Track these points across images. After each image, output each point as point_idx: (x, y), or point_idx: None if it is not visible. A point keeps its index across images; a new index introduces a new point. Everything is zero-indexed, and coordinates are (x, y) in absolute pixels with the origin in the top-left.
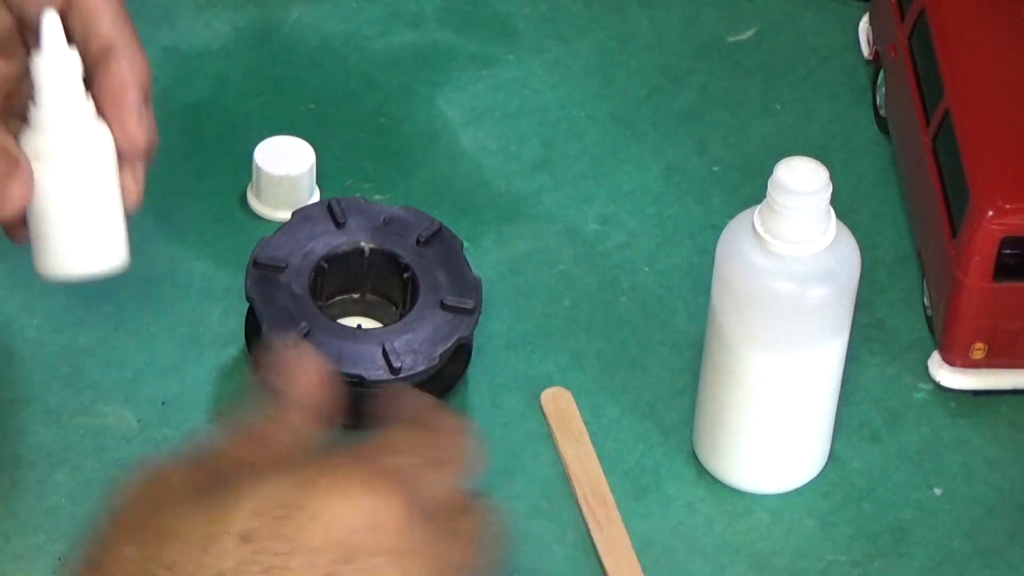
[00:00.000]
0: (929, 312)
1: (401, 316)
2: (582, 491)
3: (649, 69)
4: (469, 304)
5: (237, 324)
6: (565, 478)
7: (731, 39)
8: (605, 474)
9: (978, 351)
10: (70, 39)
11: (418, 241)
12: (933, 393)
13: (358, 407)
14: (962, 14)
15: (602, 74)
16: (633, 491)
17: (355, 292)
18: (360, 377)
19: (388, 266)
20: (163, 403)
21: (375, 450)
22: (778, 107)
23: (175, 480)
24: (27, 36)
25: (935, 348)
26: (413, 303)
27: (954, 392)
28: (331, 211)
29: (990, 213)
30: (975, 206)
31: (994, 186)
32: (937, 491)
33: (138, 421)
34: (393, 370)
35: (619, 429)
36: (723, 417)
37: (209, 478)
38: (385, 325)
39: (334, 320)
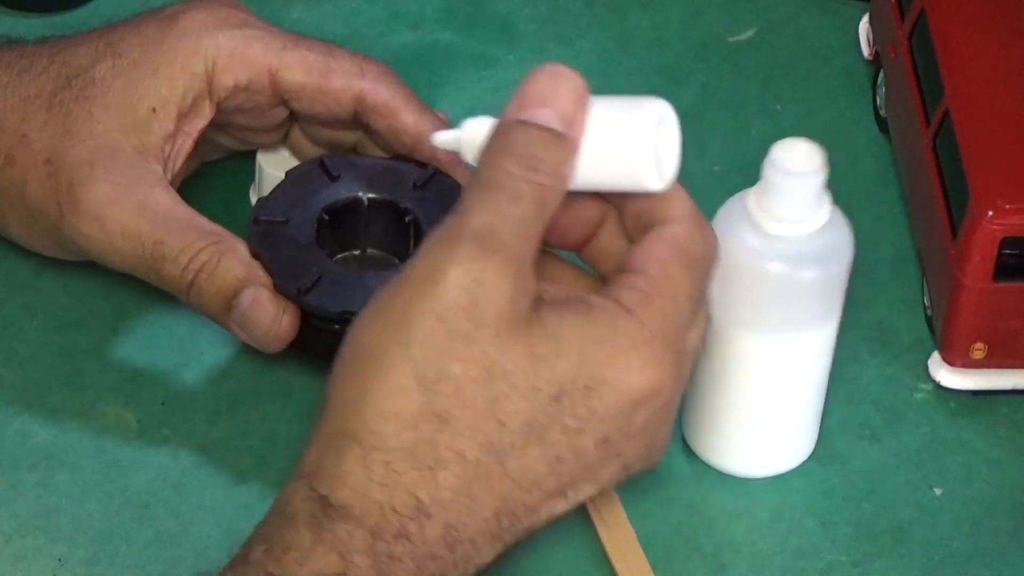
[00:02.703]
0: (929, 312)
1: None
2: None
3: (649, 69)
4: None
5: None
6: None
7: (731, 39)
8: None
9: (978, 351)
10: (374, 136)
11: (415, 186)
12: (933, 393)
13: None
14: (962, 14)
15: (602, 74)
16: (633, 491)
17: (356, 249)
18: None
19: (388, 214)
20: (163, 403)
21: (666, 320)
22: (778, 107)
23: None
24: (303, 126)
25: (935, 348)
26: (418, 244)
27: (954, 392)
28: (324, 167)
29: (990, 213)
30: (975, 206)
31: (994, 186)
32: (937, 491)
33: (138, 422)
34: None
35: None
36: (710, 398)
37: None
38: None
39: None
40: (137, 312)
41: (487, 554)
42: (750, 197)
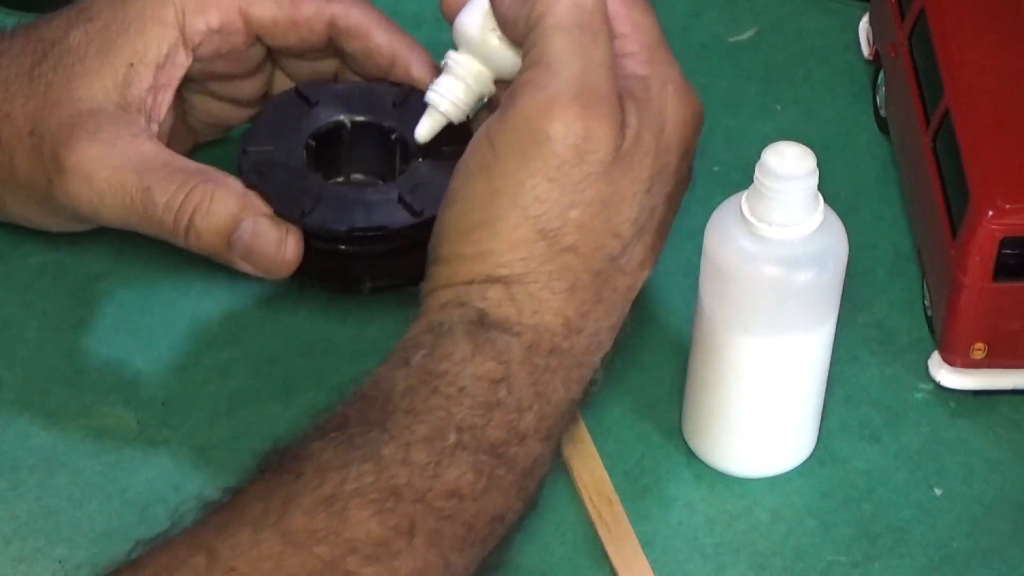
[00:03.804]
0: (929, 312)
1: (401, 172)
2: (587, 491)
3: None
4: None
5: (237, 324)
6: (565, 478)
7: (731, 39)
8: None
9: (978, 351)
10: (349, 60)
11: (394, 104)
12: (933, 393)
13: (385, 266)
14: (962, 14)
15: None
16: (633, 491)
17: (338, 175)
18: (384, 227)
19: (372, 135)
20: (163, 404)
21: (659, 60)
22: (778, 107)
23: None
24: (283, 64)
25: (935, 348)
26: (406, 159)
27: (954, 392)
28: (301, 95)
29: (990, 213)
30: (975, 206)
31: (994, 186)
32: (937, 491)
33: (138, 422)
34: (415, 213)
35: (619, 429)
36: (709, 399)
37: None
38: None
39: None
40: (137, 313)
41: (610, 342)
42: (743, 201)
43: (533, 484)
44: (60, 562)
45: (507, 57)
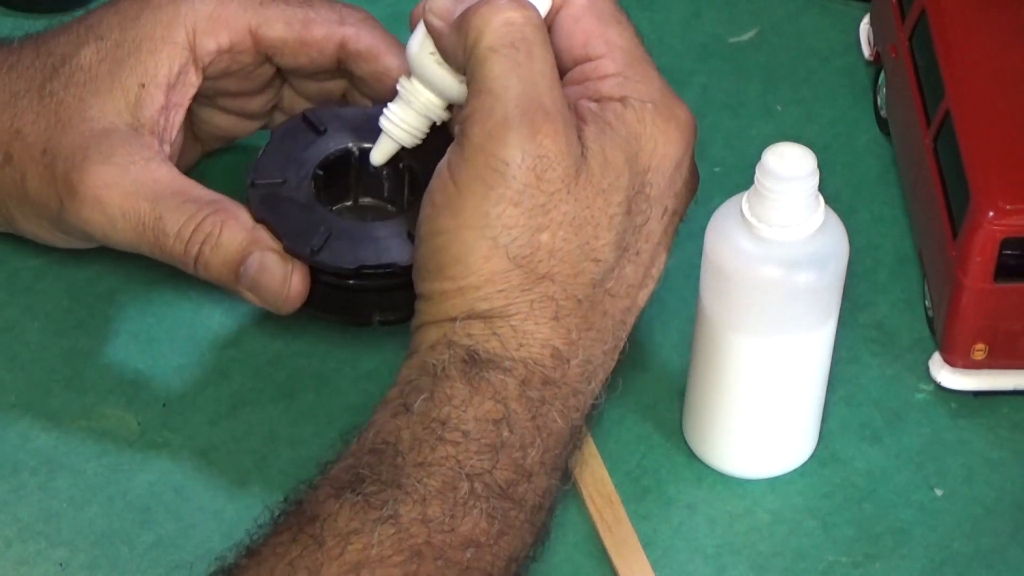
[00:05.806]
0: (930, 313)
1: (410, 205)
2: (588, 492)
3: None
4: None
5: (237, 325)
6: None
7: (732, 40)
8: None
9: (979, 352)
10: (358, 82)
11: None
12: (934, 394)
13: (394, 300)
14: (963, 15)
15: None
16: (634, 492)
17: (347, 200)
18: (393, 264)
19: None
20: (164, 405)
21: (649, 82)
22: (779, 108)
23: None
24: (292, 82)
25: (936, 349)
26: (415, 191)
27: (955, 393)
28: (309, 122)
29: (991, 214)
30: (976, 207)
31: (995, 187)
32: (938, 492)
33: (139, 424)
34: None
35: (620, 430)
36: (710, 400)
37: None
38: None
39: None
40: (138, 314)
41: (611, 364)
42: (744, 202)
43: (543, 517)
44: (61, 565)
45: (450, 83)
